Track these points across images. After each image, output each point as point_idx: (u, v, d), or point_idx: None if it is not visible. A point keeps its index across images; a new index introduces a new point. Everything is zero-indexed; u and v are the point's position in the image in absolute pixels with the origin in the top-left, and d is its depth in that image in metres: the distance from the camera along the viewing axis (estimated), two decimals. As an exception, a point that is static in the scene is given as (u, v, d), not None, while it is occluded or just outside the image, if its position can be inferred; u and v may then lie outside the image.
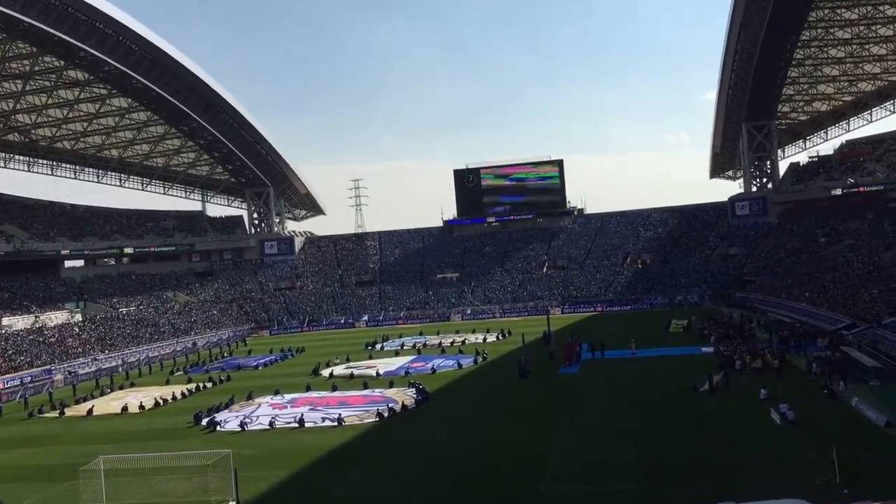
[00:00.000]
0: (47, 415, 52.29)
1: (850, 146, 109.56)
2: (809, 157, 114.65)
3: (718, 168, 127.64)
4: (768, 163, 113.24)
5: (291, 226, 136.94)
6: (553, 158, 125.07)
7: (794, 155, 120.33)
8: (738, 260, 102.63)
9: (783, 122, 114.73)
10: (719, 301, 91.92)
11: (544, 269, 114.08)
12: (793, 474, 26.84)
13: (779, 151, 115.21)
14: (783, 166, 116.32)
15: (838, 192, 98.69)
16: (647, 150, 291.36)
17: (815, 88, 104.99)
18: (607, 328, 74.93)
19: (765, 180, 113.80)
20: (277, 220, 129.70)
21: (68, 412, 52.24)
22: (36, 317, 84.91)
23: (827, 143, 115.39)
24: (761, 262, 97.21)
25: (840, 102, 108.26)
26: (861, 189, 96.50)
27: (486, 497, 27.68)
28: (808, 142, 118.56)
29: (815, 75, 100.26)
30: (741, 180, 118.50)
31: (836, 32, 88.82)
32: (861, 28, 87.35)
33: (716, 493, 23.71)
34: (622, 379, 48.84)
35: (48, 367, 70.73)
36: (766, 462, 28.77)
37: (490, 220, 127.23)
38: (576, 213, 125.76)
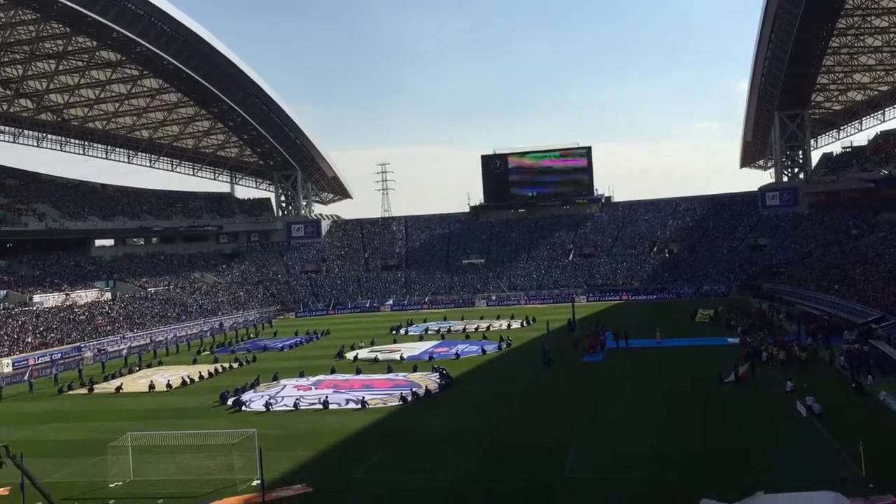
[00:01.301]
0: (77, 391, 53.19)
1: (885, 137, 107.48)
2: (843, 148, 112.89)
3: (749, 157, 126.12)
4: (800, 153, 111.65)
5: (318, 209, 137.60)
6: (581, 146, 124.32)
7: (827, 145, 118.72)
8: (767, 251, 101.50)
9: (817, 111, 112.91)
10: (747, 292, 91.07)
11: (570, 257, 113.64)
12: (818, 467, 26.65)
13: (811, 141, 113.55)
14: (815, 156, 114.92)
15: (871, 183, 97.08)
16: (677, 138, 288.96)
17: (851, 77, 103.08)
18: (632, 317, 74.58)
19: (796, 170, 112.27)
20: (304, 203, 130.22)
21: (97, 389, 53.14)
22: (67, 295, 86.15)
23: (861, 134, 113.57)
24: (791, 254, 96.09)
25: (876, 92, 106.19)
26: (895, 181, 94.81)
27: (507, 482, 27.75)
28: (841, 132, 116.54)
29: (850, 64, 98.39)
30: (772, 170, 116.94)
31: (872, 20, 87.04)
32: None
33: (741, 485, 23.57)
34: (646, 368, 48.64)
35: (78, 344, 71.91)
36: (791, 454, 28.58)
37: (517, 206, 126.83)
38: (603, 200, 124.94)
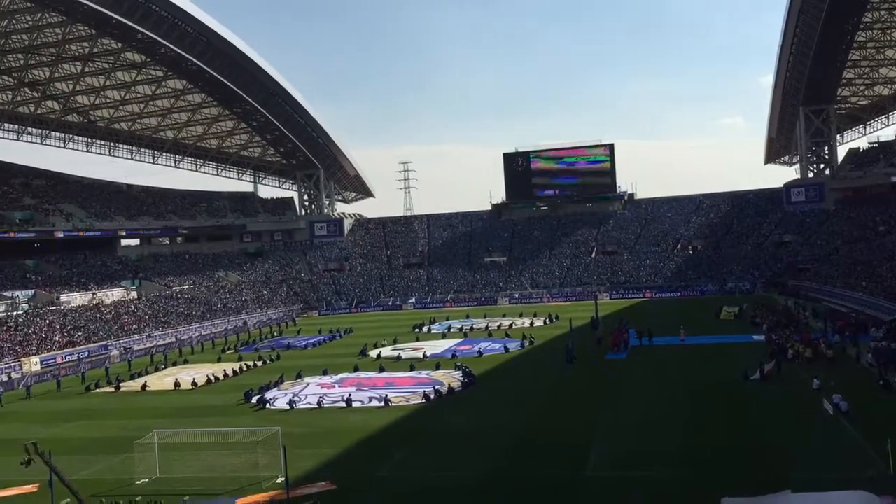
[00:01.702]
0: (103, 389, 53.82)
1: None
2: (869, 143, 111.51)
3: (774, 153, 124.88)
4: (826, 148, 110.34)
5: (341, 208, 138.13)
6: (604, 142, 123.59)
7: (854, 140, 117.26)
8: (793, 247, 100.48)
9: (843, 106, 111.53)
10: (772, 289, 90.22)
11: (593, 254, 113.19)
12: (845, 466, 26.38)
13: (837, 137, 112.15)
14: (841, 152, 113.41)
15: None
16: (700, 134, 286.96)
17: (877, 72, 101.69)
18: (656, 315, 74.14)
19: (822, 166, 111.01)
20: (327, 202, 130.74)
21: (123, 387, 53.70)
22: (93, 294, 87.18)
23: (888, 129, 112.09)
24: (817, 250, 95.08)
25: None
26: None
27: (531, 480, 27.72)
28: (868, 127, 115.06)
29: (877, 58, 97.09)
30: (797, 166, 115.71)
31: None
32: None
33: (767, 484, 23.38)
34: (671, 366, 48.37)
35: (105, 343, 72.76)
36: (817, 453, 28.31)
37: (539, 204, 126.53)
38: (626, 198, 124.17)
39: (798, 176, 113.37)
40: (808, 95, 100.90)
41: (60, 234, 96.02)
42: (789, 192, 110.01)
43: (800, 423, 32.73)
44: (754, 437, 31.09)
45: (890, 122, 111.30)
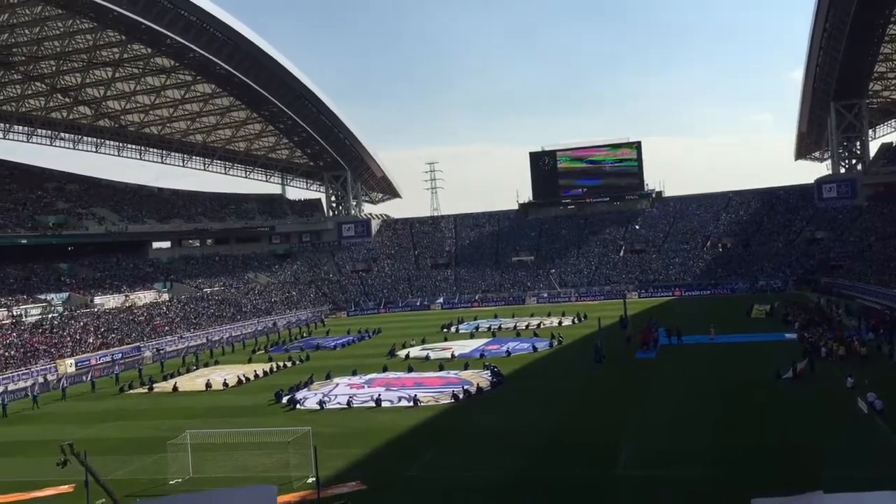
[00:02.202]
0: (137, 390, 54.54)
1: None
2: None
3: (804, 149, 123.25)
4: (858, 143, 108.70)
5: (368, 209, 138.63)
6: (631, 140, 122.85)
7: (886, 135, 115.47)
8: (825, 244, 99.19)
9: (874, 100, 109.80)
10: (804, 286, 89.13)
11: (621, 253, 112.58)
12: (880, 465, 26.05)
13: (869, 131, 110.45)
14: (874, 147, 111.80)
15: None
16: (729, 131, 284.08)
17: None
18: (686, 313, 73.56)
19: (854, 161, 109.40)
20: (354, 203, 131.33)
21: (156, 388, 54.35)
22: (126, 296, 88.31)
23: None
24: (849, 247, 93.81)
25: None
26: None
27: (560, 480, 27.69)
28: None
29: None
30: (828, 162, 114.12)
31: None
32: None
33: (800, 483, 23.12)
34: (701, 364, 48.00)
35: (137, 344, 73.70)
36: (851, 452, 27.97)
37: (566, 202, 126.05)
38: (654, 196, 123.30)
39: (829, 172, 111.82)
40: (838, 90, 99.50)
41: (94, 238, 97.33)
42: (820, 188, 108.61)
43: (833, 421, 32.35)
44: (786, 437, 30.77)
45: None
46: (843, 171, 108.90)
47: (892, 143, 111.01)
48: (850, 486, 22.06)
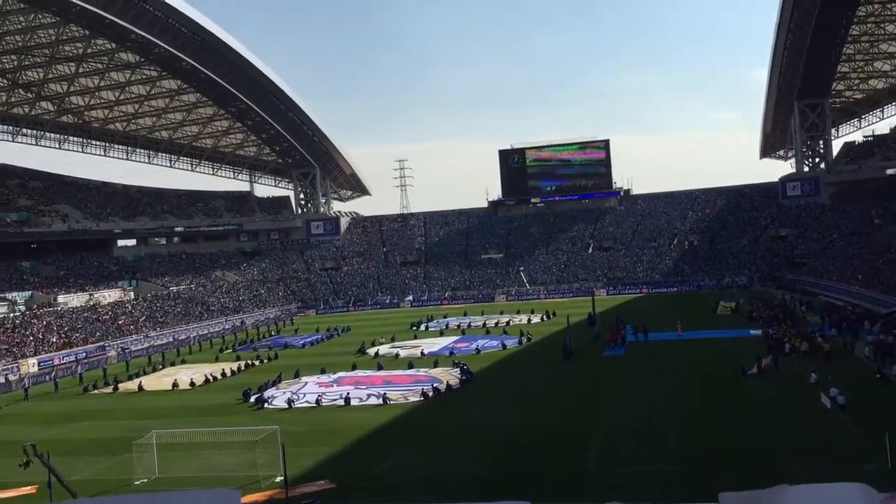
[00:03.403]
0: (101, 390, 53.75)
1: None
2: (864, 137, 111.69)
3: (769, 148, 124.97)
4: (821, 142, 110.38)
5: (337, 206, 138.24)
6: (599, 139, 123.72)
7: (849, 134, 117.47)
8: (789, 241, 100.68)
9: (837, 100, 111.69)
10: (769, 283, 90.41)
11: (589, 251, 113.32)
12: (843, 459, 26.47)
13: (832, 130, 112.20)
14: (837, 146, 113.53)
15: (894, 171, 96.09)
16: (696, 129, 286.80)
17: (872, 65, 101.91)
18: (653, 310, 74.28)
19: (817, 160, 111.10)
20: (323, 201, 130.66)
21: (121, 388, 53.61)
22: (90, 295, 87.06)
23: (883, 122, 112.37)
24: (813, 244, 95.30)
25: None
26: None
27: (529, 477, 27.77)
28: (863, 121, 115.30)
29: (871, 52, 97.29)
30: (793, 160, 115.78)
31: (893, 7, 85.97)
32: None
33: (764, 477, 23.40)
34: (668, 361, 48.42)
35: (102, 343, 72.66)
36: (815, 447, 28.41)
37: (535, 200, 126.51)
38: (622, 193, 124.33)
39: (793, 170, 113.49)
40: (802, 90, 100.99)
41: (57, 235, 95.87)
42: (785, 186, 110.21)
43: (797, 417, 32.81)
44: (752, 432, 31.15)
45: (885, 116, 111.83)
46: (806, 169, 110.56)
47: (854, 141, 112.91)
48: (814, 478, 22.33)
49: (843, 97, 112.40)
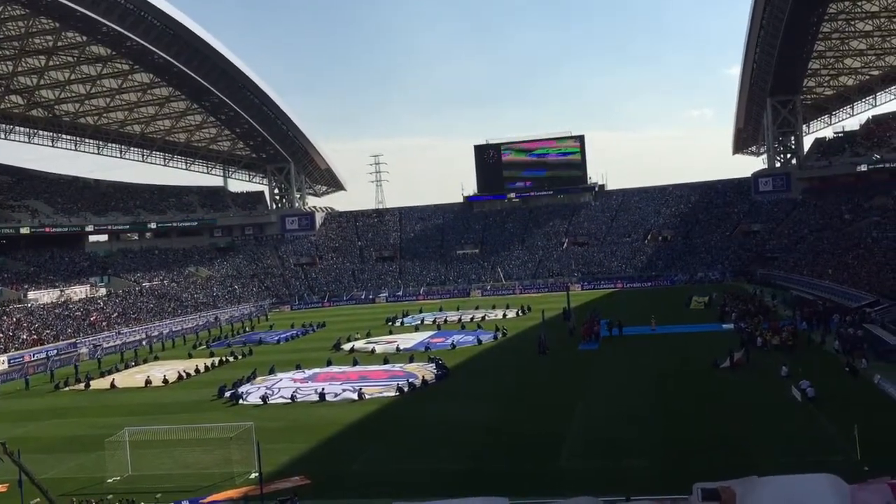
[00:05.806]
0: (73, 387, 53.08)
1: (877, 122, 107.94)
2: (835, 133, 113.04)
3: (742, 144, 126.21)
4: (793, 138, 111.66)
5: (312, 201, 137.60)
6: (574, 134, 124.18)
7: (820, 130, 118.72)
8: (761, 236, 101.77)
9: (808, 97, 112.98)
10: (741, 278, 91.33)
11: (564, 246, 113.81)
12: (813, 451, 26.83)
13: (804, 127, 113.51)
14: (808, 142, 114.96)
15: (864, 168, 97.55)
16: (670, 125, 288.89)
17: (842, 63, 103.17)
18: (627, 305, 74.73)
19: (789, 156, 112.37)
20: (298, 196, 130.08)
21: (93, 385, 53.00)
22: (61, 291, 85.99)
23: (853, 119, 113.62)
24: (784, 239, 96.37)
25: (867, 77, 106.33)
26: (887, 165, 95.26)
27: (504, 472, 27.85)
28: (833, 117, 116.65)
29: (841, 49, 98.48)
30: (765, 156, 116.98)
31: (863, 5, 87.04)
32: (889, 0, 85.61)
33: (736, 469, 23.68)
34: (642, 355, 48.76)
35: (73, 340, 71.78)
36: (786, 438, 28.74)
37: (511, 196, 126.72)
38: (597, 189, 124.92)
39: (765, 166, 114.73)
40: (774, 86, 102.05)
41: (26, 231, 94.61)
42: (757, 181, 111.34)
43: (769, 409, 33.19)
44: (724, 424, 31.47)
45: (855, 112, 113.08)
46: (778, 165, 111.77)
47: (825, 138, 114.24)
48: (785, 469, 22.67)
49: (815, 94, 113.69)
